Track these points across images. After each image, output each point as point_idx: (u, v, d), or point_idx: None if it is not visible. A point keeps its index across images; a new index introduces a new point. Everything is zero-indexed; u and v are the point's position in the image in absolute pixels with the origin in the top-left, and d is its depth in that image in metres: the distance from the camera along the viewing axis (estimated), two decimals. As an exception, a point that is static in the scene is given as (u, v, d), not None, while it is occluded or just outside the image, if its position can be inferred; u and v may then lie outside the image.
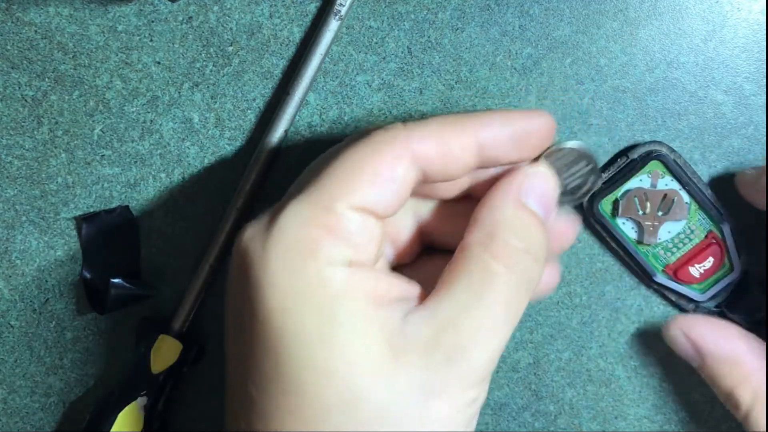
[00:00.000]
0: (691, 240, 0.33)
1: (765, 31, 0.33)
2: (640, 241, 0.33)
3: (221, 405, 0.36)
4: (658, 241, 0.33)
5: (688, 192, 0.33)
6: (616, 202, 0.33)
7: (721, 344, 0.31)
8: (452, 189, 0.28)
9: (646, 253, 0.33)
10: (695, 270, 0.33)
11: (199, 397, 0.35)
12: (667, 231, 0.33)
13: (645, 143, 0.33)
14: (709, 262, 0.33)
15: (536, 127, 0.27)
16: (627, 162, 0.33)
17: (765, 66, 0.33)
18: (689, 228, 0.33)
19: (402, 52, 0.34)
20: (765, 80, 0.33)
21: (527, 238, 0.26)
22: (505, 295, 0.25)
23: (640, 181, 0.33)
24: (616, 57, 0.34)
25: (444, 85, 0.34)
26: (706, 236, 0.33)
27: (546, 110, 0.34)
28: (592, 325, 0.35)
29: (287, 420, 0.23)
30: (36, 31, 0.33)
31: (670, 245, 0.33)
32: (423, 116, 0.34)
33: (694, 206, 0.33)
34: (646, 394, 0.35)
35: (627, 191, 0.33)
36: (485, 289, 0.24)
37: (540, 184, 0.27)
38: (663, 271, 0.34)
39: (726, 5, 0.33)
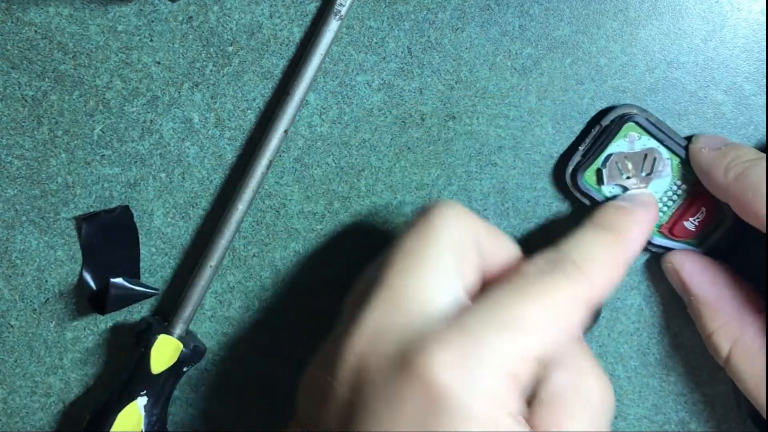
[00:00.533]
0: (679, 195, 0.33)
1: (765, 31, 0.33)
2: None
3: (221, 405, 0.36)
4: None
5: (667, 147, 0.33)
6: (599, 171, 0.33)
7: (706, 288, 0.32)
8: None
9: None
10: (690, 224, 0.33)
11: (199, 397, 0.35)
12: (655, 191, 0.33)
13: (614, 107, 0.33)
14: (702, 213, 0.33)
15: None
16: (601, 130, 0.33)
17: (765, 66, 0.33)
18: (675, 184, 0.33)
19: (402, 52, 0.34)
20: (765, 80, 0.33)
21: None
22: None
23: (617, 146, 0.33)
24: (616, 57, 0.34)
25: (444, 85, 0.34)
26: (693, 188, 0.33)
27: (546, 110, 0.34)
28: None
29: None
30: (36, 31, 0.33)
31: (660, 204, 0.33)
32: (423, 116, 0.34)
33: (675, 161, 0.33)
34: (645, 394, 0.35)
35: (607, 158, 0.33)
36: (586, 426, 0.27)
37: None
38: (659, 232, 0.33)
39: (726, 5, 0.33)
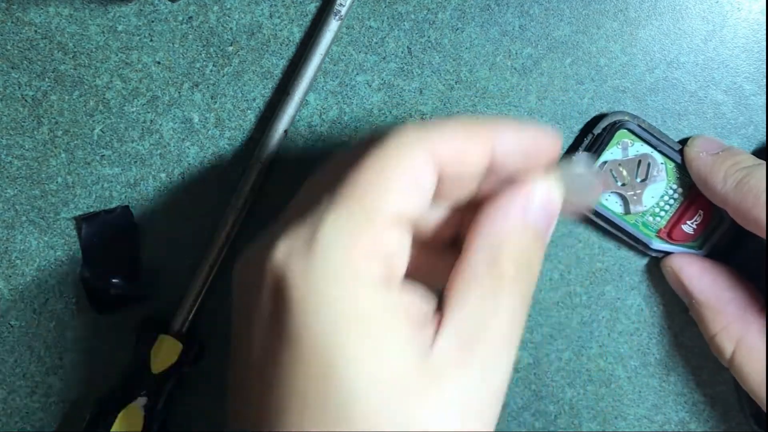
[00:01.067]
0: (676, 199, 0.33)
1: (765, 31, 0.33)
2: (627, 212, 0.33)
3: (221, 405, 0.36)
4: (645, 208, 0.33)
5: (661, 152, 0.33)
6: None
7: (706, 290, 0.32)
8: (456, 193, 0.28)
9: (635, 224, 0.33)
10: (688, 227, 0.33)
11: (199, 397, 0.35)
12: (651, 196, 0.33)
13: (606, 115, 0.33)
14: (699, 216, 0.33)
15: (546, 140, 0.27)
16: (593, 138, 0.33)
17: (765, 66, 0.33)
18: (671, 188, 0.33)
19: (402, 52, 0.34)
20: (765, 80, 0.33)
21: (530, 257, 0.26)
22: (515, 311, 0.25)
23: (611, 153, 0.33)
24: (616, 57, 0.34)
25: (444, 85, 0.34)
26: (689, 191, 0.33)
27: (546, 110, 0.34)
28: (592, 325, 0.35)
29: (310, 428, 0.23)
30: (36, 31, 0.33)
31: (657, 209, 0.33)
32: (423, 116, 0.34)
33: (669, 165, 0.33)
34: (645, 394, 0.35)
35: (601, 166, 0.33)
36: (498, 307, 0.25)
37: (544, 200, 0.27)
38: (657, 236, 0.33)
39: (726, 5, 0.33)
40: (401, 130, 0.25)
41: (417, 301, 0.25)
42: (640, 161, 0.33)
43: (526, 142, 0.26)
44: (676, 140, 0.33)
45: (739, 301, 0.32)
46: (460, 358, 0.24)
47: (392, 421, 0.23)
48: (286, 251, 0.23)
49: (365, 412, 0.22)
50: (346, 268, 0.23)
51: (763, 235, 0.30)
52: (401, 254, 0.24)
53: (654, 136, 0.32)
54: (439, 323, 0.24)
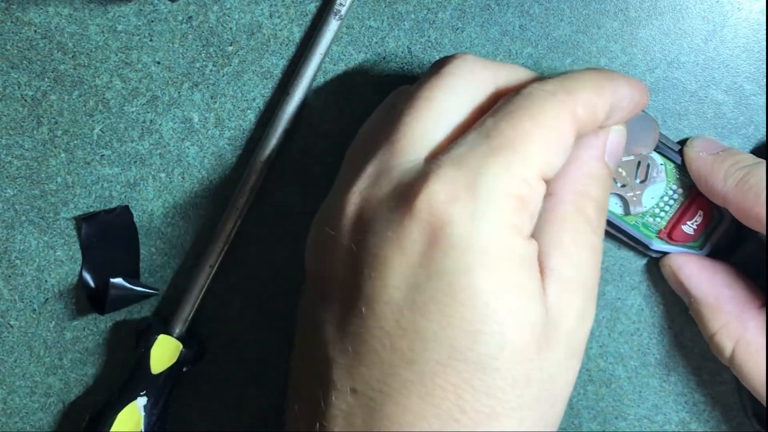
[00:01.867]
0: (675, 200, 0.33)
1: (765, 31, 0.33)
2: (627, 213, 0.33)
3: (221, 405, 0.36)
4: (645, 209, 0.33)
5: (660, 153, 0.33)
6: None
7: (704, 288, 0.32)
8: None
9: (636, 225, 0.33)
10: (688, 228, 0.33)
11: (199, 397, 0.35)
12: (650, 197, 0.33)
13: None
14: (699, 216, 0.33)
15: (644, 92, 0.29)
16: None
17: (765, 66, 0.33)
18: (670, 188, 0.33)
19: (402, 52, 0.33)
20: (765, 80, 0.33)
21: (605, 200, 0.28)
22: (599, 252, 0.27)
23: None
24: (616, 57, 0.33)
25: (444, 85, 0.34)
26: (689, 192, 0.33)
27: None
28: (592, 326, 0.35)
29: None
30: (36, 31, 0.33)
31: (657, 210, 0.33)
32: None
33: (669, 165, 0.33)
34: (646, 394, 0.35)
35: None
36: (588, 249, 0.27)
37: (617, 144, 0.29)
38: (657, 237, 0.33)
39: (726, 5, 0.33)
40: (545, 87, 0.26)
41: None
42: (639, 162, 0.33)
43: (635, 94, 0.28)
44: (676, 140, 0.33)
45: (737, 299, 0.32)
46: (566, 303, 0.25)
47: (531, 367, 0.24)
48: (447, 195, 0.23)
49: (508, 363, 0.23)
50: (506, 219, 0.24)
51: (764, 232, 0.30)
52: (539, 209, 0.25)
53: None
54: (541, 270, 0.26)
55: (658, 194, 0.33)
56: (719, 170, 0.31)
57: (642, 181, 0.33)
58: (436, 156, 0.25)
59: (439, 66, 0.27)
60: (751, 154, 0.31)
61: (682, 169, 0.33)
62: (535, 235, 0.26)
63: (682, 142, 0.33)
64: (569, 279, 0.26)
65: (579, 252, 0.26)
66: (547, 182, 0.25)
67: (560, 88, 0.26)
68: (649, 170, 0.33)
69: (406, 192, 0.24)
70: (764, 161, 0.31)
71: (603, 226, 0.28)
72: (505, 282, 0.24)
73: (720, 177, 0.31)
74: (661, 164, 0.33)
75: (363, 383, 0.24)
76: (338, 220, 0.25)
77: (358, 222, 0.25)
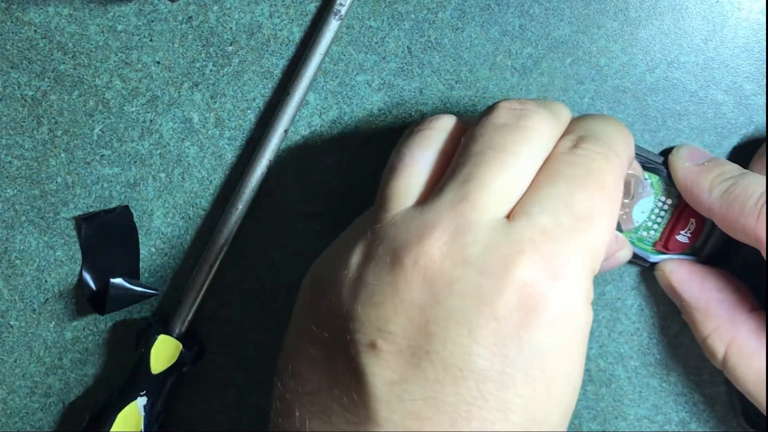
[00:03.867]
0: (666, 211, 0.33)
1: (765, 31, 0.33)
2: (619, 231, 0.33)
3: (221, 405, 0.36)
4: (636, 224, 0.33)
5: (644, 168, 0.32)
6: None
7: (695, 293, 0.32)
8: None
9: (631, 241, 0.33)
10: (683, 237, 0.33)
11: (199, 397, 0.35)
12: (641, 212, 0.33)
13: None
14: (692, 224, 0.33)
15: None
16: None
17: (765, 66, 0.33)
18: (659, 200, 0.33)
19: (402, 52, 0.33)
20: (765, 80, 0.33)
21: None
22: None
23: None
24: (616, 57, 0.33)
25: (444, 85, 0.34)
26: (678, 201, 0.33)
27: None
28: (592, 325, 0.35)
29: None
30: (36, 31, 0.33)
31: (649, 223, 0.33)
32: (423, 116, 0.34)
33: (654, 178, 0.33)
34: (646, 394, 0.35)
35: None
36: None
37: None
38: (654, 249, 0.33)
39: (726, 5, 0.33)
40: (596, 149, 0.27)
41: None
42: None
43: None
44: (672, 145, 0.33)
45: (728, 303, 0.32)
46: None
47: None
48: (540, 271, 0.25)
49: None
50: (588, 294, 0.26)
51: (750, 243, 0.30)
52: None
53: (636, 154, 0.32)
54: None
55: (648, 208, 0.33)
56: (704, 181, 0.31)
57: (630, 200, 0.33)
58: (514, 217, 0.26)
59: (500, 118, 0.28)
60: (736, 165, 0.31)
61: (669, 180, 0.33)
62: None
63: (666, 152, 0.33)
64: None
65: None
66: None
67: (605, 146, 0.27)
68: (634, 187, 0.32)
69: (500, 263, 0.25)
70: (749, 172, 0.31)
71: None
72: (581, 351, 0.26)
73: (705, 188, 0.31)
74: (647, 179, 0.33)
75: None
76: (400, 268, 0.25)
77: (428, 279, 0.25)
